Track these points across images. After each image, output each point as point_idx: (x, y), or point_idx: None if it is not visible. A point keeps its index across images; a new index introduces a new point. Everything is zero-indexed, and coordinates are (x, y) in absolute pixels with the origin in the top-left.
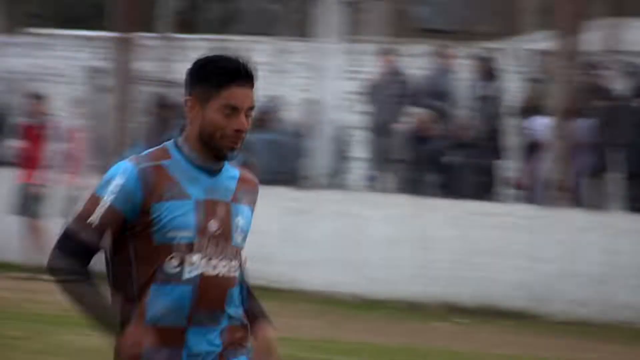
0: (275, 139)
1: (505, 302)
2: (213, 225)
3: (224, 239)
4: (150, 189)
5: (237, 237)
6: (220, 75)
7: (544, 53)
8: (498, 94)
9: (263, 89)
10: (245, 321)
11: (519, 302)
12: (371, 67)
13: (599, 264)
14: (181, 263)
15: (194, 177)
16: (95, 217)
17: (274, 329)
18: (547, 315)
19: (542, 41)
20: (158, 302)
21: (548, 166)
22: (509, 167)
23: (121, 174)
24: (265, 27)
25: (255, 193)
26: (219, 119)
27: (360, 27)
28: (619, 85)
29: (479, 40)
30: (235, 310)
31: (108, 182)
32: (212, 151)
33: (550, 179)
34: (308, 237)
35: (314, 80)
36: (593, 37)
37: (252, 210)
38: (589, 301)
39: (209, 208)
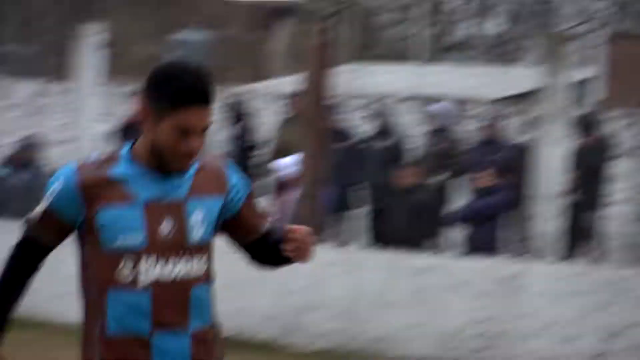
0: (32, 178)
1: (254, 333)
2: (165, 228)
3: (179, 240)
4: (91, 194)
5: (196, 234)
6: (176, 95)
7: (292, 95)
8: (248, 135)
9: (21, 129)
10: (215, 323)
11: (268, 333)
12: (126, 109)
13: (343, 298)
14: (134, 269)
15: (143, 181)
16: (35, 216)
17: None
18: (293, 346)
19: (290, 84)
20: (117, 311)
21: (296, 203)
22: (261, 204)
23: (61, 179)
24: (24, 69)
25: (220, 177)
26: (170, 140)
27: (118, 68)
28: (362, 126)
29: (230, 83)
30: (202, 313)
31: (51, 184)
32: (163, 165)
33: (298, 216)
34: (60, 271)
35: (72, 121)
36: (339, 81)
37: (224, 196)
38: (332, 332)
39: (159, 210)
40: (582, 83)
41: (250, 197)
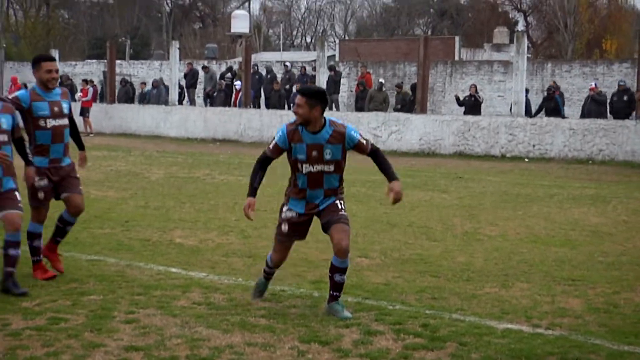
0: None
1: None
2: (314, 153)
3: (320, 158)
4: (290, 138)
5: (327, 156)
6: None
7: None
8: None
9: None
10: (339, 189)
11: None
12: None
13: None
14: (301, 166)
15: (307, 135)
16: (269, 147)
17: (398, 182)
18: None
19: None
20: (298, 180)
21: None
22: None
23: (280, 130)
24: None
25: (341, 135)
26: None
27: None
28: None
29: None
30: (330, 185)
31: (276, 133)
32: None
33: None
34: None
35: None
36: None
37: (341, 143)
38: None
39: (312, 147)
40: None
41: (359, 142)
